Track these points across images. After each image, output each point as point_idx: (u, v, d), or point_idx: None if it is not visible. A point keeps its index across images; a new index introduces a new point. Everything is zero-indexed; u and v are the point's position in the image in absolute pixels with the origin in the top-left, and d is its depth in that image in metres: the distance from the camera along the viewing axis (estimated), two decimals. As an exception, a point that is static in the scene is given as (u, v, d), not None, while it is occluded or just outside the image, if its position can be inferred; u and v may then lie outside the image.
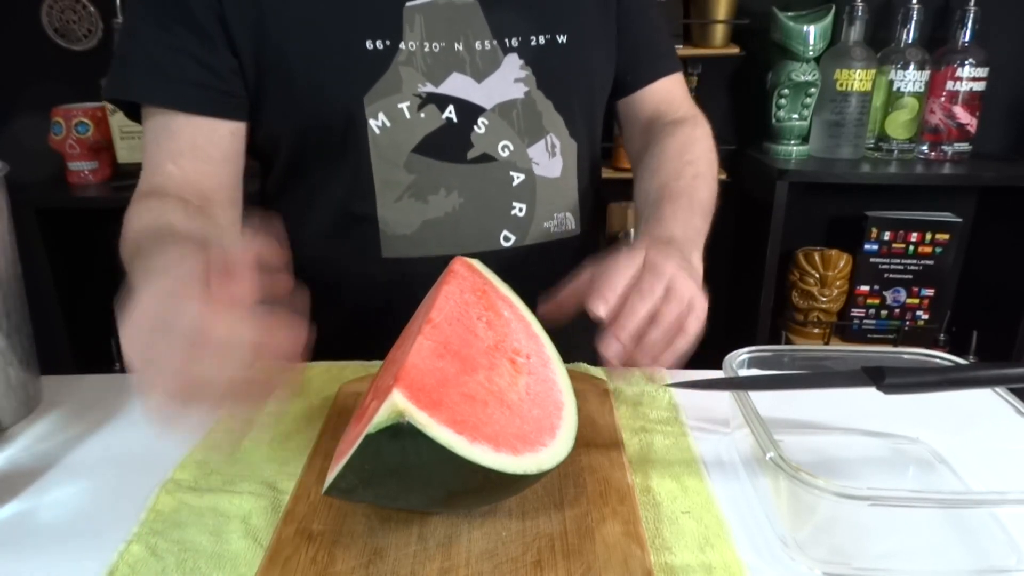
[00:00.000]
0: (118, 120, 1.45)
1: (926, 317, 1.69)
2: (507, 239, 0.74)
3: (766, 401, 0.48)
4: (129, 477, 0.52)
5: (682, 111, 0.83)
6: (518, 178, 0.74)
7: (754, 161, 1.64)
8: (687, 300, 0.52)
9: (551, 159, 0.75)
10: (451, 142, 0.71)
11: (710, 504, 0.48)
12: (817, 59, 1.52)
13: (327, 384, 0.63)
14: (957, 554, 0.44)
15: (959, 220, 1.63)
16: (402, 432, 0.36)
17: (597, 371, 0.65)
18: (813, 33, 1.48)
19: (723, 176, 1.60)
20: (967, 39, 1.49)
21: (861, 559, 0.43)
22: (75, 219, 1.55)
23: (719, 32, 1.57)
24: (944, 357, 0.55)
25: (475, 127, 0.71)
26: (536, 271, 0.74)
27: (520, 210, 0.74)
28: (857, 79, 1.49)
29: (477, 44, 0.71)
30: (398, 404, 0.36)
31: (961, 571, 0.44)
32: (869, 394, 0.46)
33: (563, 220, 0.77)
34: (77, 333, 1.56)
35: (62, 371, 0.66)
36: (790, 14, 1.51)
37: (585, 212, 0.79)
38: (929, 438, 0.56)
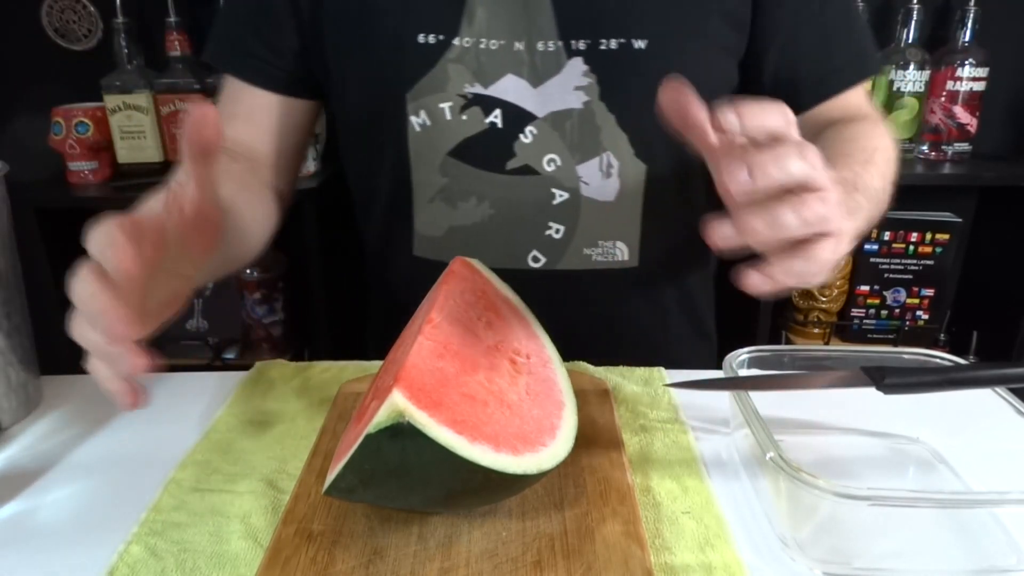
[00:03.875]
0: (118, 120, 1.45)
1: (926, 317, 1.69)
2: (536, 260, 0.69)
3: (766, 401, 0.48)
4: (129, 477, 0.52)
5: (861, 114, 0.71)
6: (560, 196, 0.68)
7: (754, 161, 1.63)
8: (829, 213, 0.39)
9: (605, 180, 0.68)
10: (491, 149, 0.67)
11: (710, 504, 0.48)
12: (817, 59, 1.52)
13: (327, 384, 0.63)
14: (957, 554, 0.44)
15: (959, 220, 1.63)
16: (402, 432, 0.36)
17: (597, 371, 0.65)
18: (813, 33, 1.48)
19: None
20: (967, 39, 1.49)
21: (861, 559, 0.43)
22: (75, 219, 1.54)
23: (719, 32, 1.56)
24: (944, 357, 0.55)
25: (521, 135, 0.66)
26: (566, 299, 0.71)
27: (557, 231, 0.69)
28: (857, 79, 1.49)
29: (540, 44, 0.64)
30: (398, 404, 0.36)
31: (961, 571, 0.44)
32: (869, 394, 0.46)
33: (611, 249, 0.70)
34: (77, 333, 1.55)
35: (62, 371, 0.66)
36: (790, 14, 1.51)
37: (651, 244, 0.71)
38: (929, 438, 0.55)
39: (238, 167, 0.69)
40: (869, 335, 1.72)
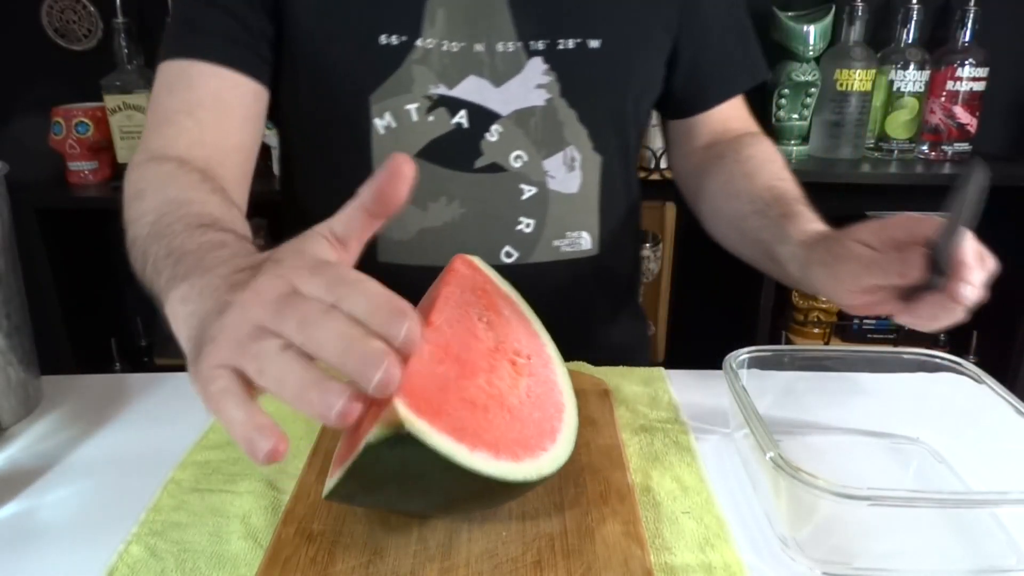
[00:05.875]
0: (118, 120, 1.46)
1: (926, 317, 1.69)
2: (509, 255, 0.71)
3: (766, 401, 0.48)
4: (129, 477, 0.52)
5: (746, 127, 0.80)
6: (529, 191, 0.70)
7: (754, 161, 1.63)
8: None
9: (569, 173, 0.71)
10: (459, 149, 0.68)
11: (710, 504, 0.48)
12: (817, 59, 1.52)
13: (327, 384, 0.63)
14: (957, 554, 0.44)
15: (959, 220, 1.63)
16: (402, 441, 0.36)
17: (597, 371, 0.65)
18: (813, 33, 1.48)
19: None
20: (967, 39, 1.49)
21: (861, 559, 0.43)
22: (75, 219, 1.55)
23: (719, 32, 1.56)
24: (944, 357, 0.55)
25: (487, 134, 0.68)
26: (539, 292, 0.72)
27: (527, 226, 0.70)
28: (857, 79, 1.49)
29: (499, 45, 0.66)
30: (398, 413, 0.36)
31: (961, 571, 0.44)
32: (869, 394, 0.46)
33: (576, 239, 0.73)
34: (77, 333, 1.55)
35: (62, 371, 0.66)
36: (790, 14, 1.51)
37: (607, 231, 0.75)
38: (929, 438, 0.55)
39: (196, 178, 0.59)
40: (869, 335, 1.72)
